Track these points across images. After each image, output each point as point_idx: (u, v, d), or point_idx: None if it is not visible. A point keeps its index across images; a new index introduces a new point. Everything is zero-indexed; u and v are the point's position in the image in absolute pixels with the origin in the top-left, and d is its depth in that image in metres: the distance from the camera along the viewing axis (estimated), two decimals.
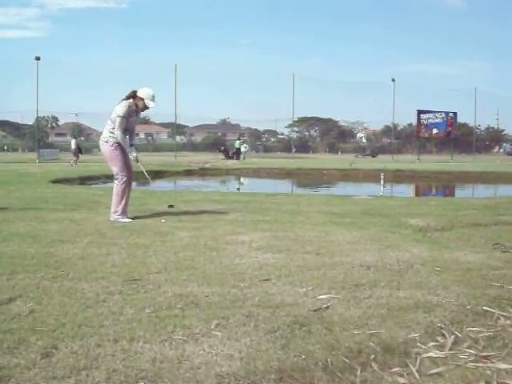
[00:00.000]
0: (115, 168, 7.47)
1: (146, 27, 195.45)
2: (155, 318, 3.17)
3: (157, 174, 22.60)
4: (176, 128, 66.51)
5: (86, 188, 15.00)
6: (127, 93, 7.40)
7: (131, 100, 7.34)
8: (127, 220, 7.22)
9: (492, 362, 2.71)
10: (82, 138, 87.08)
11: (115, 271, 4.29)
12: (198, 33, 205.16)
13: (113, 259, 4.73)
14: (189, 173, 26.96)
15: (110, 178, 9.71)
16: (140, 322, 3.11)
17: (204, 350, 2.73)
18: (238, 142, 48.79)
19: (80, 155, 31.94)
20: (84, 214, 7.81)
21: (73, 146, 32.58)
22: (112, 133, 7.37)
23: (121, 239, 5.72)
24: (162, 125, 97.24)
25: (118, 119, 7.26)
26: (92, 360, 2.57)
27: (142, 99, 7.31)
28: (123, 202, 7.44)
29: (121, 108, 7.30)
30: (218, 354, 2.68)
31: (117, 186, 7.48)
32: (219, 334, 2.95)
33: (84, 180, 18.80)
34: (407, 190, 22.33)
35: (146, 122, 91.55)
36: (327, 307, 3.45)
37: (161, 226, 6.71)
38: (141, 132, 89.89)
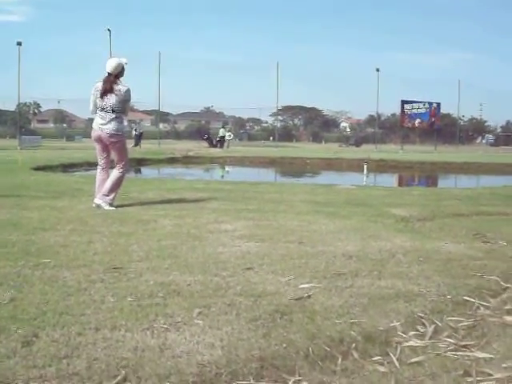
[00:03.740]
0: (126, 158, 7.71)
1: (129, 13, 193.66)
2: (137, 307, 3.16)
3: (140, 162, 22.57)
4: (159, 115, 66.20)
5: (69, 175, 14.89)
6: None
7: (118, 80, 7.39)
8: (111, 208, 7.20)
9: (471, 351, 2.75)
10: (65, 125, 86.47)
11: (97, 259, 4.27)
12: (182, 19, 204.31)
13: (95, 247, 4.70)
14: (172, 161, 26.85)
15: (92, 165, 9.67)
16: (122, 310, 3.10)
17: (186, 339, 2.73)
18: (222, 130, 48.63)
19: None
20: (66, 202, 7.76)
21: None
22: (123, 121, 7.62)
23: (103, 227, 5.70)
24: (146, 112, 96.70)
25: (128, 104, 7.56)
26: (73, 349, 2.56)
27: (110, 74, 7.37)
28: (119, 190, 7.58)
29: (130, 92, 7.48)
30: (199, 343, 2.69)
31: (120, 174, 7.58)
32: (201, 322, 2.95)
33: (66, 167, 18.65)
34: (390, 180, 22.43)
35: (130, 109, 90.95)
36: (309, 296, 3.46)
37: (143, 214, 6.69)
38: (125, 119, 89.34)
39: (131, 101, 7.76)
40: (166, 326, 2.88)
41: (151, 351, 2.57)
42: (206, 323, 2.94)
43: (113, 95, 7.27)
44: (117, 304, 3.21)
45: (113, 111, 7.31)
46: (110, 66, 7.32)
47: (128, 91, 7.40)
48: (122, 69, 7.43)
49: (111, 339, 2.69)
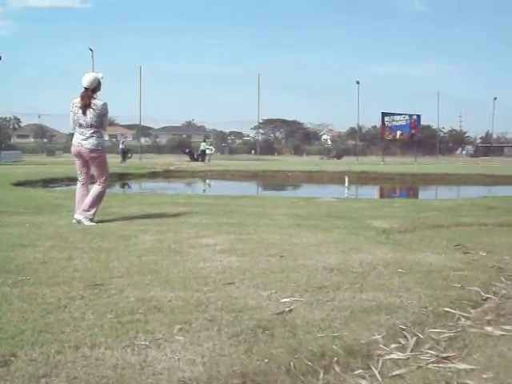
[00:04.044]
0: (106, 173, 7.69)
1: (110, 27, 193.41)
2: (117, 324, 3.14)
3: (121, 177, 22.48)
4: (141, 130, 66.05)
5: (49, 191, 14.78)
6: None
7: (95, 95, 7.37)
8: (92, 223, 7.16)
9: (452, 363, 2.76)
10: (45, 140, 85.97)
11: (77, 276, 4.23)
12: (163, 31, 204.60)
13: (75, 264, 4.66)
14: (153, 175, 26.77)
15: (73, 180, 9.60)
16: (102, 327, 3.08)
17: (166, 355, 2.71)
18: (203, 143, 48.62)
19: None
20: (46, 218, 7.70)
21: None
22: (103, 136, 7.57)
23: (83, 243, 5.66)
24: (127, 126, 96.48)
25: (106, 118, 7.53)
26: (52, 367, 2.53)
27: (87, 88, 7.34)
28: (100, 205, 7.55)
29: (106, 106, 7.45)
30: (180, 359, 2.67)
31: (101, 189, 7.56)
32: (182, 338, 2.93)
33: (47, 182, 18.51)
34: (371, 192, 22.52)
35: (110, 123, 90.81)
36: (290, 310, 3.45)
37: (124, 229, 6.65)
38: (105, 134, 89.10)
39: (109, 115, 7.75)
40: (146, 343, 2.86)
41: (131, 368, 2.55)
42: (187, 339, 2.92)
43: (90, 110, 7.25)
44: (97, 321, 3.18)
45: (91, 126, 7.28)
46: (87, 80, 7.31)
47: (105, 105, 7.37)
48: (99, 83, 7.41)
49: (91, 357, 2.66)
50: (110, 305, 3.49)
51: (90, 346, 2.80)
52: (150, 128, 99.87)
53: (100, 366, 2.57)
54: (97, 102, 7.31)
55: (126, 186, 21.37)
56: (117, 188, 18.65)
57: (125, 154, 39.93)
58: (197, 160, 44.28)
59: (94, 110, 7.27)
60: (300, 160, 59.40)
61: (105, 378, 2.43)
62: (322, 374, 2.58)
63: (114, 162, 27.70)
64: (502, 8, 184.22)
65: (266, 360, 2.67)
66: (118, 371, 2.52)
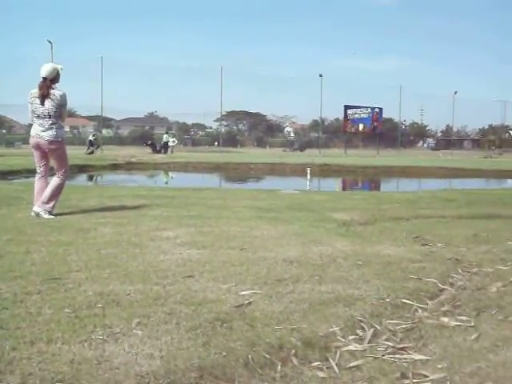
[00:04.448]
0: (66, 165, 7.60)
1: (69, 16, 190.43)
2: (74, 318, 3.10)
3: (81, 169, 22.23)
4: (102, 121, 65.32)
5: (7, 183, 14.53)
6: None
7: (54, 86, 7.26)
8: (51, 216, 7.06)
9: (408, 354, 2.80)
10: (4, 131, 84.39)
11: (34, 270, 4.16)
12: (124, 23, 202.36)
13: (32, 258, 4.58)
14: (115, 167, 26.57)
15: (32, 172, 9.43)
16: (58, 322, 3.03)
17: (124, 350, 2.69)
18: (165, 135, 48.34)
19: None
20: (4, 211, 7.58)
21: None
22: (63, 127, 7.45)
23: (41, 237, 5.57)
24: (88, 118, 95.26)
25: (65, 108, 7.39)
26: (6, 364, 2.48)
27: (45, 78, 7.22)
28: (59, 198, 7.44)
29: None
30: (138, 354, 2.65)
31: (61, 181, 7.44)
32: (140, 332, 2.92)
33: (5, 175, 18.20)
34: (334, 185, 22.68)
35: (70, 114, 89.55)
36: (249, 303, 3.46)
37: (83, 222, 6.57)
38: (66, 125, 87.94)
39: (69, 106, 7.64)
40: (104, 338, 2.83)
41: (88, 364, 2.53)
42: (145, 333, 2.91)
43: (49, 100, 7.14)
44: (54, 316, 3.14)
45: (50, 117, 7.16)
46: (46, 70, 7.18)
47: (64, 96, 7.26)
48: (58, 74, 7.29)
49: (47, 353, 2.62)
50: (67, 299, 3.45)
51: (46, 341, 2.76)
52: (111, 119, 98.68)
53: (56, 361, 2.54)
54: (55, 92, 7.19)
55: (87, 179, 21.14)
56: (77, 180, 18.43)
57: (92, 145, 39.17)
58: (159, 152, 43.97)
59: (52, 100, 7.15)
60: (263, 152, 59.49)
61: (60, 374, 2.41)
62: (279, 366, 2.60)
63: (75, 153, 27.38)
64: (461, 6, 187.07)
65: (224, 353, 2.67)
66: (74, 366, 2.49)
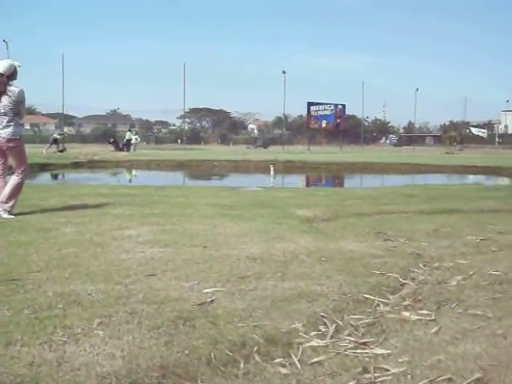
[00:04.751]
0: (25, 163, 7.43)
1: (29, 11, 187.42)
2: (34, 320, 3.05)
3: (43, 167, 21.92)
4: (63, 119, 64.46)
5: None
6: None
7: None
8: (10, 216, 6.94)
9: (370, 348, 2.82)
10: None
11: None
12: (88, 21, 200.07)
13: None
14: (77, 165, 26.23)
15: None
16: (18, 324, 2.98)
17: (85, 351, 2.67)
18: (128, 133, 47.94)
19: None
20: None
21: None
22: (22, 125, 7.31)
23: (0, 237, 5.47)
24: (49, 115, 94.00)
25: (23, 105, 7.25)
26: None
27: (2, 74, 7.06)
28: (19, 197, 7.30)
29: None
30: (99, 354, 2.63)
31: (20, 180, 7.28)
32: (101, 332, 2.89)
33: None
34: (297, 181, 22.77)
35: (30, 112, 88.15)
36: (212, 301, 3.45)
37: (44, 221, 6.47)
38: (26, 122, 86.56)
39: (29, 103, 7.52)
40: (64, 339, 2.80)
41: (48, 365, 2.49)
42: (107, 333, 2.88)
43: (6, 97, 7.00)
44: (13, 318, 3.09)
45: (7, 114, 7.03)
46: (2, 66, 7.04)
47: (21, 92, 7.12)
48: (15, 71, 7.15)
49: (5, 355, 2.58)
50: (27, 300, 3.40)
51: (5, 343, 2.71)
52: (73, 117, 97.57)
53: (15, 364, 2.50)
54: (12, 88, 7.06)
55: (48, 177, 20.85)
56: (38, 179, 18.17)
57: (56, 143, 38.38)
58: (122, 150, 43.56)
59: (9, 97, 7.01)
60: (227, 149, 59.43)
61: (20, 377, 2.37)
62: (242, 363, 2.60)
63: (36, 151, 27.01)
64: (421, 5, 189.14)
65: (187, 351, 2.66)
66: (33, 369, 2.45)
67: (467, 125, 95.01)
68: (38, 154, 27.63)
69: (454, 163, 29.92)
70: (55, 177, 21.42)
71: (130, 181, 22.26)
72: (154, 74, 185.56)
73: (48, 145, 37.48)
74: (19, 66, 7.22)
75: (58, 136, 39.82)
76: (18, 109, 7.15)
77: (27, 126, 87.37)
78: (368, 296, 3.66)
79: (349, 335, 3.00)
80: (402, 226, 6.58)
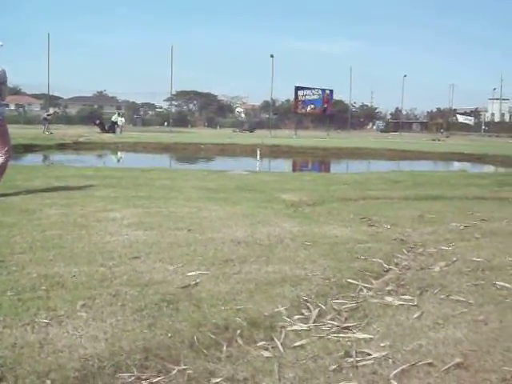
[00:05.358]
0: (8, 143, 7.32)
1: None
2: (17, 301, 3.04)
3: (27, 149, 21.76)
4: (49, 99, 63.94)
5: None
6: None
7: None
8: None
9: (353, 333, 2.84)
10: None
11: None
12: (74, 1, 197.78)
13: None
14: (62, 147, 26.07)
15: None
16: (0, 305, 2.97)
17: (68, 333, 2.66)
18: (115, 115, 47.69)
19: None
20: None
21: None
22: (5, 105, 7.32)
23: None
24: (34, 96, 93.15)
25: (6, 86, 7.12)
26: None
27: None
28: (2, 178, 7.24)
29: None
30: (82, 336, 2.62)
31: (3, 161, 7.21)
32: (84, 314, 2.88)
33: None
34: (283, 165, 22.77)
35: (16, 92, 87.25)
36: (196, 284, 3.45)
37: (28, 203, 6.43)
38: (11, 103, 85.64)
39: (15, 83, 7.45)
40: (47, 321, 2.79)
41: (31, 347, 2.49)
42: (90, 315, 2.88)
43: None
44: None
45: None
46: None
47: (3, 72, 7.01)
48: None
49: None
50: (10, 282, 3.38)
51: None
52: (59, 98, 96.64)
53: None
54: None
55: (33, 158, 20.70)
56: (22, 160, 18.04)
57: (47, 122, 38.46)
58: (108, 131, 43.35)
59: None
60: (213, 133, 59.29)
61: (2, 358, 2.36)
62: (225, 346, 2.60)
63: (21, 132, 26.79)
64: None
65: (170, 334, 2.67)
66: (16, 350, 2.45)
67: (454, 112, 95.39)
68: (23, 134, 27.35)
69: (440, 150, 30.05)
70: (39, 158, 21.27)
71: (116, 162, 22.16)
72: (141, 55, 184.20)
73: (43, 126, 37.60)
74: (2, 46, 7.12)
75: (46, 116, 39.71)
76: (0, 89, 7.05)
77: (12, 107, 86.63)
78: (351, 281, 3.68)
79: (332, 319, 3.01)
80: (387, 212, 6.61)
